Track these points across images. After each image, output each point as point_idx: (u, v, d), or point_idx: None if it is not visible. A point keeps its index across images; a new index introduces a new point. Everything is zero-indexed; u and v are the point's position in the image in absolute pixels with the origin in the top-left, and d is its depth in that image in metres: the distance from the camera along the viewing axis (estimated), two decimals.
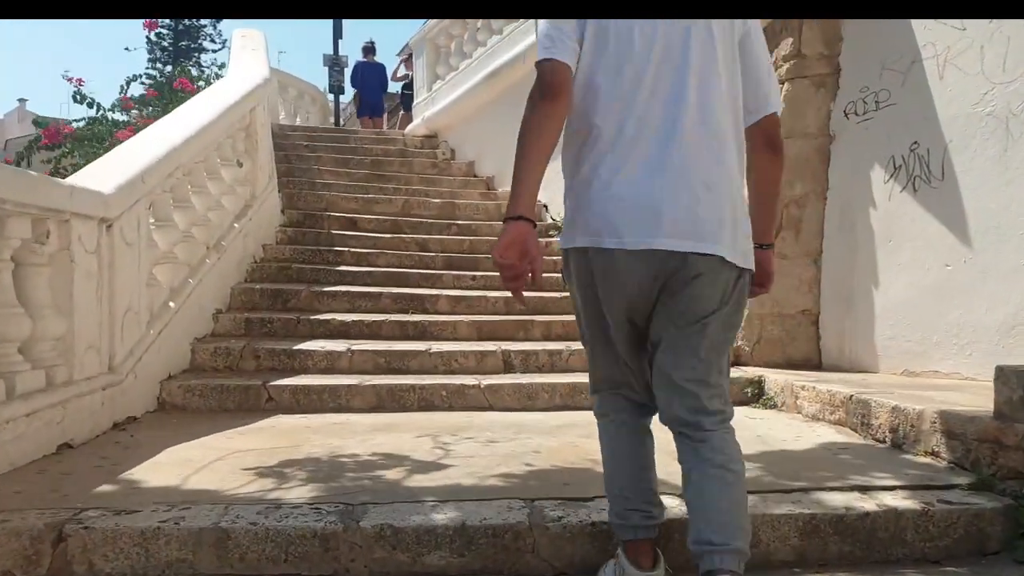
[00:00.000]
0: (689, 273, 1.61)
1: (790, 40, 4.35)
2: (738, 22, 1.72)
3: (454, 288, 5.49)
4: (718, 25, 1.68)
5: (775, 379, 3.86)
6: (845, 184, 4.23)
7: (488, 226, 6.83)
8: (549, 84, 1.63)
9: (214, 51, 30.94)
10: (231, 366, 4.15)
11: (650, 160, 1.61)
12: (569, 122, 1.71)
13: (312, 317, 4.65)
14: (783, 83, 4.39)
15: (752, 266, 1.71)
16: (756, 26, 1.77)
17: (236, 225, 5.19)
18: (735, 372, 4.08)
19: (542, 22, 1.69)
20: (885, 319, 3.96)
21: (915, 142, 3.84)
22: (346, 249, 5.91)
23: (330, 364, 4.16)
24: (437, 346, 4.37)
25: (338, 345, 4.27)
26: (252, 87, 5.71)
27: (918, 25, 3.86)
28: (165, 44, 32.36)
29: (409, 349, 4.28)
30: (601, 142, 1.65)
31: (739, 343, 4.42)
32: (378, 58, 11.70)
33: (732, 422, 1.70)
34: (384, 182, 7.76)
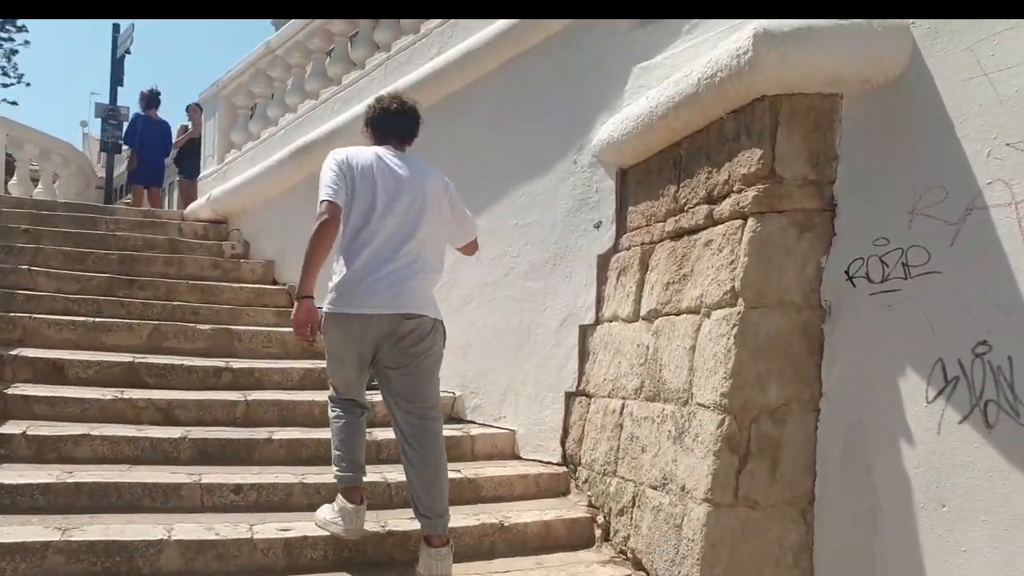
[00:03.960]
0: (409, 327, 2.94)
1: (757, 153, 2.73)
2: (443, 189, 3.06)
3: (203, 510, 3.27)
4: (431, 190, 2.98)
5: None
6: (851, 390, 2.60)
7: (282, 372, 4.65)
8: (329, 217, 2.84)
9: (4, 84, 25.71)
10: None
11: (381, 269, 2.88)
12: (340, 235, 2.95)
13: None
14: (746, 218, 2.77)
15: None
16: (454, 192, 3.12)
17: None
18: None
19: (326, 173, 2.90)
20: None
21: (983, 342, 2.28)
22: (21, 431, 3.52)
23: None
24: None
25: None
26: None
27: (976, 151, 2.36)
28: None
29: None
30: (353, 253, 2.93)
31: None
32: (164, 114, 9.32)
33: None
34: (134, 291, 5.41)
